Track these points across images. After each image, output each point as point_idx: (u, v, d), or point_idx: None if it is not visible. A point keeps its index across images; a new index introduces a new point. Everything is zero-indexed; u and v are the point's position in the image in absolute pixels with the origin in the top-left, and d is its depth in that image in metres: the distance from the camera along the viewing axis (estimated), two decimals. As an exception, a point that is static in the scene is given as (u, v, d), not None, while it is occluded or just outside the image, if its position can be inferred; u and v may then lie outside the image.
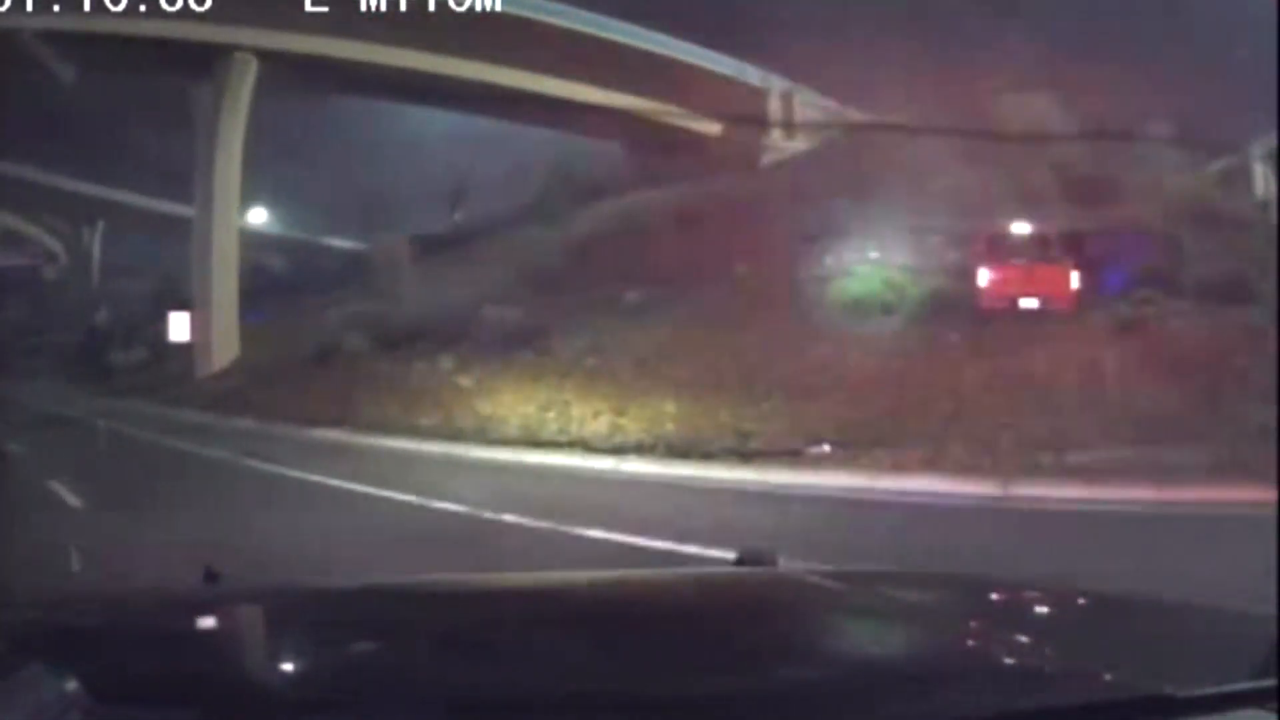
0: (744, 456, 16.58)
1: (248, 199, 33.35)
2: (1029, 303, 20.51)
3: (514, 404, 21.42)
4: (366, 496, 15.42)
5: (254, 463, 19.17)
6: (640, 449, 17.78)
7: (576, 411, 20.25)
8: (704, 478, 16.15)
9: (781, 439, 16.97)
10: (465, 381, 23.76)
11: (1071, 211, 22.25)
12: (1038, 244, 21.58)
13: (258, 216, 36.00)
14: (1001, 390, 16.83)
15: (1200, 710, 1.77)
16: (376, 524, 12.80)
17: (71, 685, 1.71)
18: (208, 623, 2.57)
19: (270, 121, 31.54)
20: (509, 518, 12.79)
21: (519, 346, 23.94)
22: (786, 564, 3.07)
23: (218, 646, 2.35)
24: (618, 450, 17.95)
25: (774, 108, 33.63)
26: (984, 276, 21.15)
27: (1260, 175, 26.28)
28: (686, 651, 2.19)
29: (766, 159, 33.06)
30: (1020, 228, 22.15)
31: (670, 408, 19.32)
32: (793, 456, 16.23)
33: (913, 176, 23.67)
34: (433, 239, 34.27)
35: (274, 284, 35.32)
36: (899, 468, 15.03)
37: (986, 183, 23.18)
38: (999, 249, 21.62)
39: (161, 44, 26.87)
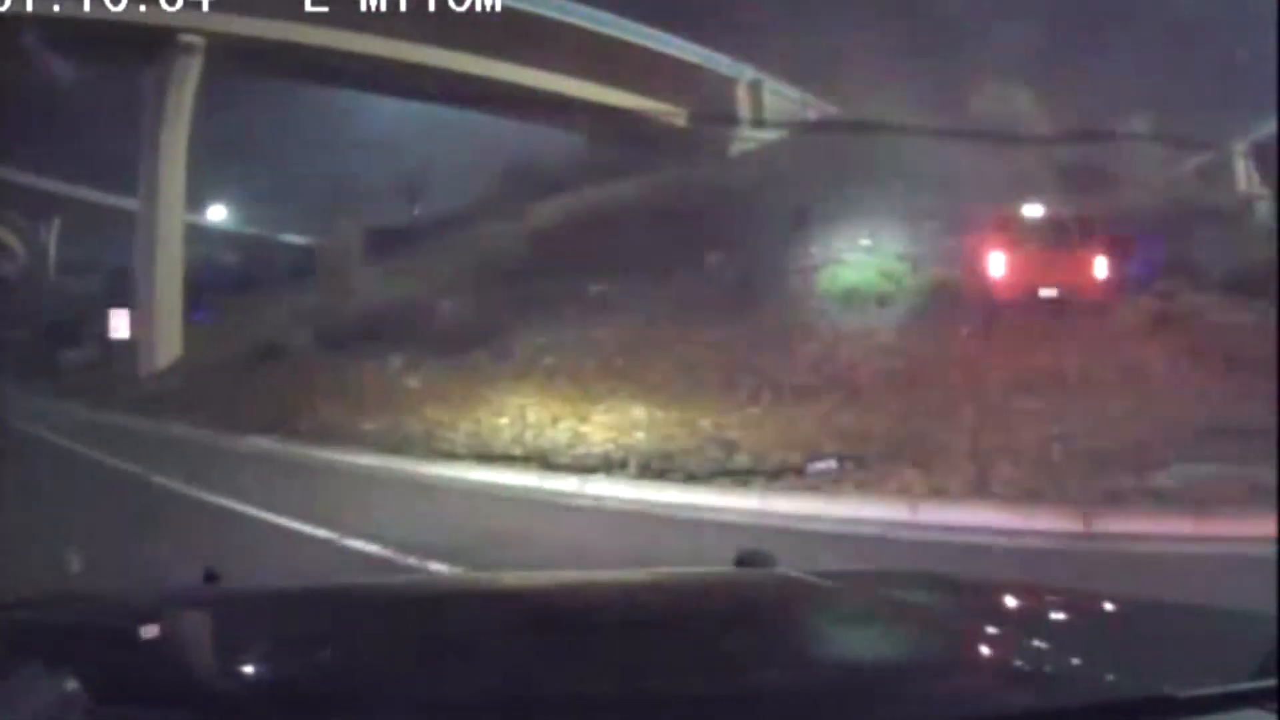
0: (736, 477, 12.78)
1: (194, 191, 30.21)
2: (1048, 292, 16.89)
3: (465, 408, 17.84)
4: (268, 528, 11.77)
5: (160, 479, 15.49)
6: (608, 465, 14.04)
7: (533, 417, 16.65)
8: (688, 505, 12.18)
9: (774, 451, 13.31)
10: (413, 383, 20.45)
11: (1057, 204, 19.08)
12: (1053, 228, 18.02)
13: (205, 210, 33.47)
14: (1035, 393, 13.35)
15: (1201, 710, 1.65)
16: (255, 572, 8.96)
17: (71, 685, 1.59)
18: (207, 623, 2.40)
19: (219, 110, 28.45)
20: (437, 568, 9.02)
21: (473, 345, 20.61)
22: (786, 565, 2.81)
23: (217, 647, 2.21)
24: (581, 466, 14.20)
25: (743, 96, 30.75)
26: (998, 263, 17.56)
27: (1243, 170, 25.01)
28: (686, 652, 2.05)
29: (736, 148, 30.07)
30: (1032, 210, 18.61)
31: (640, 413, 15.77)
32: (794, 476, 12.44)
33: (895, 163, 21.09)
34: (388, 233, 31.42)
35: (221, 280, 32.50)
36: (938, 492, 11.20)
37: (969, 172, 20.50)
38: (1011, 233, 18.04)
39: (106, 28, 23.56)
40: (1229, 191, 24.60)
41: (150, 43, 26.58)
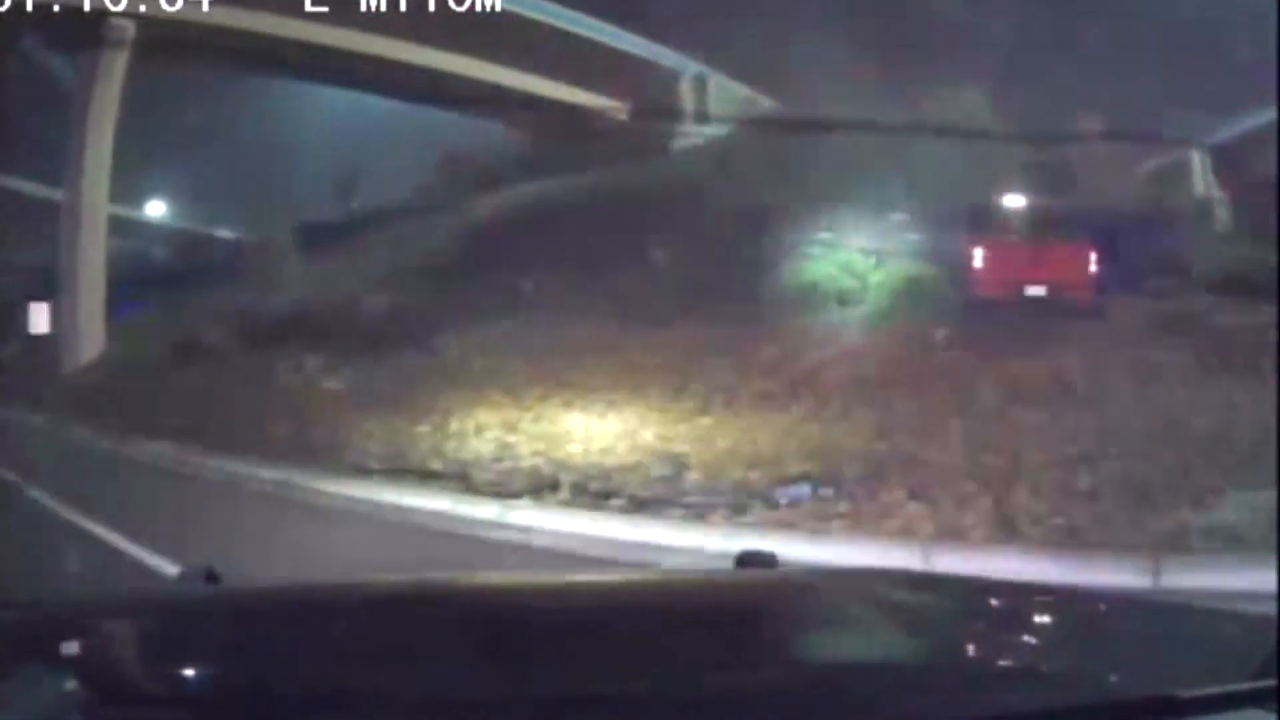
0: (690, 508, 9.89)
1: (127, 184, 27.60)
2: (1036, 290, 14.24)
3: (383, 414, 15.13)
4: (117, 563, 9.27)
5: (34, 493, 12.74)
6: (536, 485, 11.21)
7: (456, 426, 13.91)
8: (635, 543, 9.11)
9: (731, 469, 10.61)
10: (331, 385, 17.78)
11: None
12: (1036, 220, 15.39)
13: (134, 202, 30.36)
14: (1037, 404, 10.74)
15: (1201, 710, 1.56)
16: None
17: (71, 685, 1.54)
18: (208, 623, 2.21)
19: (150, 99, 25.76)
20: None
21: (398, 344, 17.98)
22: (786, 565, 2.72)
23: (217, 647, 2.03)
24: (505, 487, 11.35)
25: (687, 91, 27.85)
26: (979, 257, 14.87)
27: (1200, 172, 22.58)
28: (687, 652, 1.94)
29: (680, 144, 27.32)
30: (1013, 200, 15.98)
31: (575, 423, 13.06)
32: (763, 506, 9.63)
33: (849, 161, 18.56)
34: (320, 228, 28.47)
35: (151, 275, 29.46)
36: (952, 532, 8.29)
37: (926, 170, 17.71)
38: (991, 226, 15.37)
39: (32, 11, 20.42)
40: (1186, 194, 22.29)
41: (78, 27, 23.93)
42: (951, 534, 8.29)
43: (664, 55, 27.55)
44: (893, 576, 3.02)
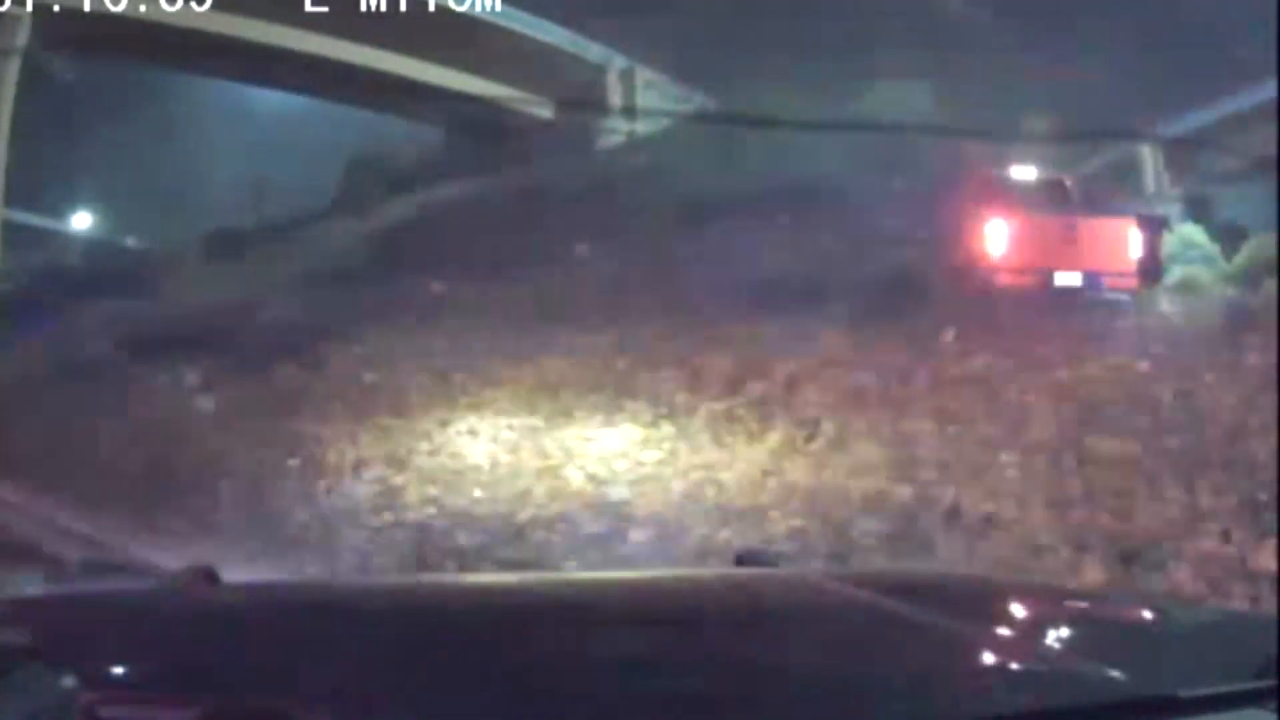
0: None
1: (18, 187, 23.82)
2: (1068, 278, 10.67)
3: (250, 442, 11.32)
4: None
5: None
6: (420, 554, 7.36)
7: (333, 458, 10.02)
8: None
9: (692, 523, 6.84)
10: (204, 405, 13.81)
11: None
12: (1051, 195, 11.86)
13: (29, 207, 26.37)
14: (1118, 428, 6.86)
15: (1201, 710, 1.44)
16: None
17: (71, 685, 1.40)
18: (208, 623, 1.93)
19: (46, 95, 22.51)
20: None
21: (284, 356, 14.24)
22: (787, 565, 2.45)
23: (218, 647, 1.76)
24: (375, 557, 7.44)
25: (614, 86, 24.59)
26: (997, 236, 11.19)
27: (1152, 168, 20.31)
28: (686, 652, 1.75)
29: (606, 141, 24.21)
30: (1023, 172, 12.48)
31: (481, 456, 9.23)
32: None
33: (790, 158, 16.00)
34: (227, 235, 24.84)
35: (57, 286, 25.78)
36: None
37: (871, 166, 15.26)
38: (1003, 199, 11.77)
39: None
40: (1136, 191, 19.52)
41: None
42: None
43: (589, 48, 24.28)
44: (892, 576, 2.80)
